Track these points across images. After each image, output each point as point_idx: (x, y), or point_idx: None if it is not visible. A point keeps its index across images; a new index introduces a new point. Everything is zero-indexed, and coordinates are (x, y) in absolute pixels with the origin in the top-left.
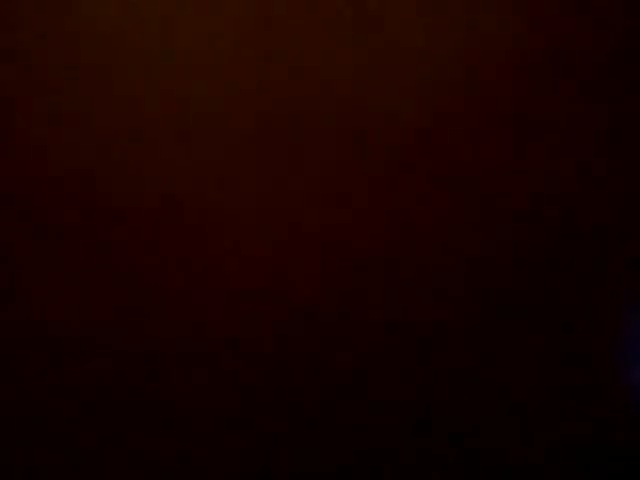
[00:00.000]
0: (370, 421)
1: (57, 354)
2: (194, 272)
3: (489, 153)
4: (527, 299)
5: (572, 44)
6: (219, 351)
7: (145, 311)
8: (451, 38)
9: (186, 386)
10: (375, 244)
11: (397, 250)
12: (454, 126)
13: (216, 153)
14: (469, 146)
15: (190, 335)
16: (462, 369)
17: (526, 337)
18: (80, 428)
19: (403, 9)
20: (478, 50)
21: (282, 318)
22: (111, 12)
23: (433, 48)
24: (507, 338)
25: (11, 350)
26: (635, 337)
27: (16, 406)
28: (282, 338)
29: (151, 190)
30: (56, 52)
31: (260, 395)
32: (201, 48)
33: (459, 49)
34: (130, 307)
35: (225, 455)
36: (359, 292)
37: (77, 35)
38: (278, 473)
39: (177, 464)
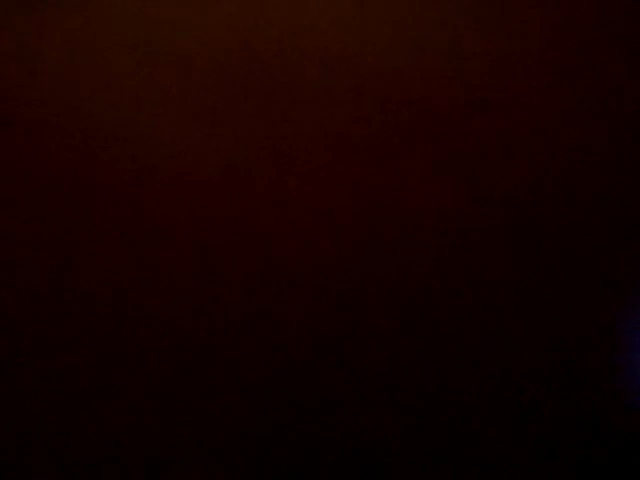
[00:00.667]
0: (365, 411)
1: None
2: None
3: (490, 146)
4: (526, 295)
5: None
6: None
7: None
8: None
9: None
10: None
11: (392, 233)
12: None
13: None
14: (473, 132)
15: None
16: (460, 365)
17: (525, 334)
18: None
19: None
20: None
21: (279, 294)
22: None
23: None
24: (506, 335)
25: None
26: (635, 335)
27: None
28: (274, 314)
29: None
30: (55, 50)
31: (255, 384)
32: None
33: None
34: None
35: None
36: (354, 276)
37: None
38: (278, 462)
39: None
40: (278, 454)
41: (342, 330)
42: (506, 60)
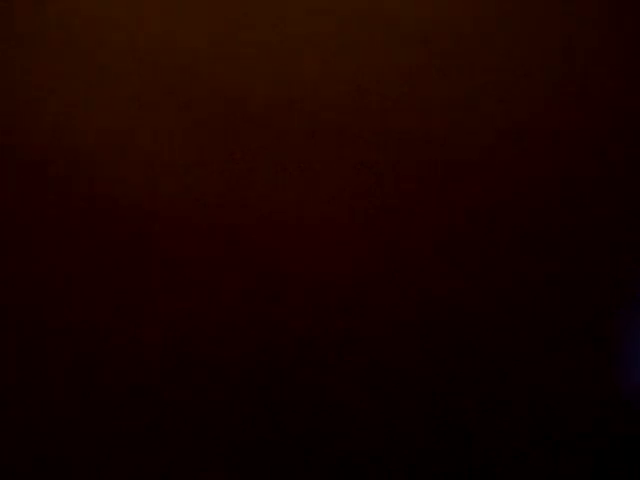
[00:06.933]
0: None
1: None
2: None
3: (489, 147)
4: (527, 295)
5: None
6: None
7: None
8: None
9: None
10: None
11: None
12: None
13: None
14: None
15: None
16: (458, 366)
17: (525, 334)
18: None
19: None
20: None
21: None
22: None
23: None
24: (507, 335)
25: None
26: (635, 336)
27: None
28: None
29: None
30: (55, 50)
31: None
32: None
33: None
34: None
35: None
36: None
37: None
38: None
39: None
40: (276, 455)
41: (343, 334)
42: (505, 64)
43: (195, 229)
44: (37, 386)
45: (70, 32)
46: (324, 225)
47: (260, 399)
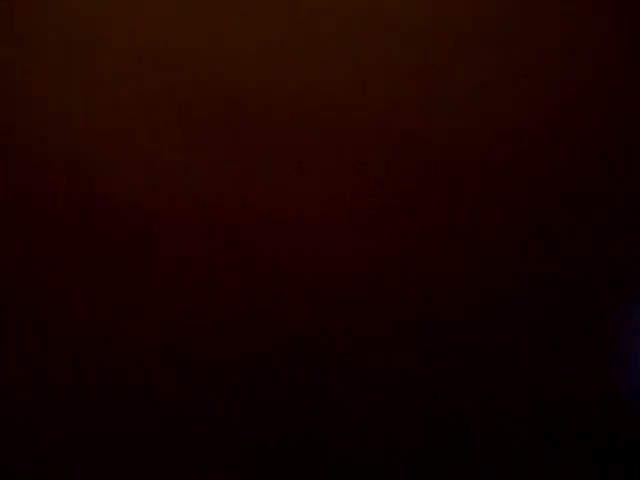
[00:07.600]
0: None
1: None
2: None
3: (489, 147)
4: (527, 295)
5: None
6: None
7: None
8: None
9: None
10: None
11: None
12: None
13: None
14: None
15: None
16: (458, 367)
17: (525, 334)
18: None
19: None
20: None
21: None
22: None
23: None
24: (507, 335)
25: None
26: (635, 336)
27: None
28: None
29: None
30: (55, 50)
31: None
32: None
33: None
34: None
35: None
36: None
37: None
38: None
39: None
40: (276, 455)
41: (343, 334)
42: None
43: (195, 229)
44: (37, 386)
45: (70, 32)
46: (324, 225)
47: (260, 399)
